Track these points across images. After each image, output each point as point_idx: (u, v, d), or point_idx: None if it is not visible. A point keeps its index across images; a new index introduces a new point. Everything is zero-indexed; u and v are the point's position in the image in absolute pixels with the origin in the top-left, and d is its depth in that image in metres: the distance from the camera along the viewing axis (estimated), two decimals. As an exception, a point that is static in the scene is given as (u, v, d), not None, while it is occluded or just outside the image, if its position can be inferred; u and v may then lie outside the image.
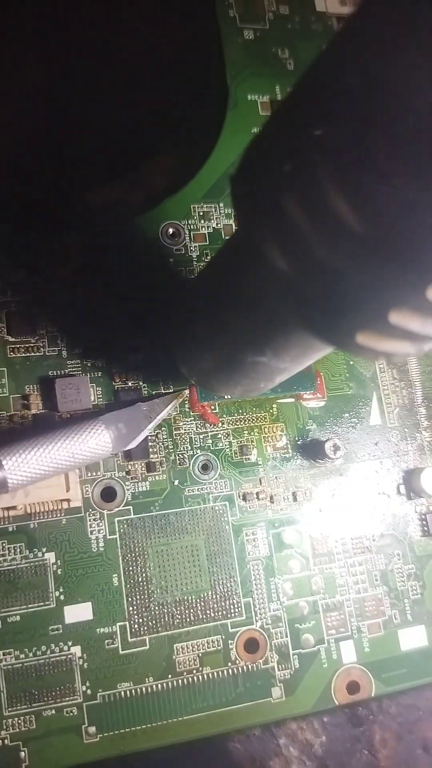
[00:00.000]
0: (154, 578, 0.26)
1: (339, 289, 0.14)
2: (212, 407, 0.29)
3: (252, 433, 0.29)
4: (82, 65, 0.28)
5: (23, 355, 0.27)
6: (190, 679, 0.26)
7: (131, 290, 0.28)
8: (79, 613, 0.25)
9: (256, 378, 0.23)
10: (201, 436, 0.28)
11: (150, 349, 0.28)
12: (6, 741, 0.24)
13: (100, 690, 0.25)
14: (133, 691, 0.25)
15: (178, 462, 0.28)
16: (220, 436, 0.29)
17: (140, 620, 0.26)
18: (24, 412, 0.26)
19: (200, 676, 0.26)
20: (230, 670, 0.26)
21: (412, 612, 0.29)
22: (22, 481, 0.23)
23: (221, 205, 0.31)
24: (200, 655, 0.26)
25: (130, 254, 0.29)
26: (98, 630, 0.26)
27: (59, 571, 0.26)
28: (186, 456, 0.28)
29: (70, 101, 0.28)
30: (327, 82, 0.13)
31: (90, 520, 0.26)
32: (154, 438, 0.28)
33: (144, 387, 0.28)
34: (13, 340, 0.27)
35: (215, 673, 0.26)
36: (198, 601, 0.27)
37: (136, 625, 0.26)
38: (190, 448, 0.28)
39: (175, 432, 0.28)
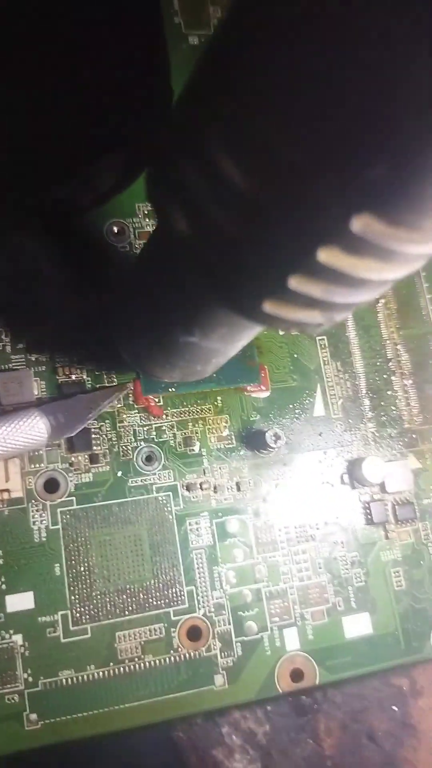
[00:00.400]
0: (97, 568, 0.27)
1: (237, 254, 0.14)
2: (156, 400, 0.29)
3: (196, 425, 0.29)
4: (27, 67, 0.29)
5: (-32, 350, 0.28)
6: (132, 666, 0.26)
7: (76, 286, 0.29)
8: (20, 602, 0.26)
9: (191, 360, 0.23)
10: (145, 429, 0.29)
11: (94, 344, 0.29)
12: None
13: (42, 677, 0.25)
14: (74, 678, 0.26)
15: (121, 454, 0.28)
16: (164, 428, 0.29)
17: (82, 609, 0.26)
18: (-32, 405, 0.27)
19: (142, 664, 0.26)
20: (173, 658, 0.27)
21: (356, 599, 0.29)
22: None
23: (166, 203, 0.31)
24: (142, 643, 0.27)
25: (75, 251, 0.30)
26: (40, 619, 0.26)
27: (0, 561, 0.26)
28: (130, 448, 0.28)
29: (15, 102, 0.29)
30: (218, 64, 0.13)
31: (33, 511, 0.27)
32: (98, 430, 0.28)
33: (88, 381, 0.29)
34: (-42, 336, 0.28)
35: (157, 661, 0.27)
36: (140, 589, 0.27)
37: (77, 614, 0.26)
38: (134, 440, 0.29)
39: (119, 424, 0.29)
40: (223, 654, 0.27)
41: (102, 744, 0.26)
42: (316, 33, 0.10)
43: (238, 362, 0.30)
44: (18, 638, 0.26)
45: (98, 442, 0.28)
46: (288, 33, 0.11)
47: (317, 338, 0.32)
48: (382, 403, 0.32)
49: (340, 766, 0.27)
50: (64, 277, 0.29)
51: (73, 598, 0.26)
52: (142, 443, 0.29)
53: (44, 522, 0.27)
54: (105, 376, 0.29)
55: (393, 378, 0.32)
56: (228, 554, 0.28)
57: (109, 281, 0.29)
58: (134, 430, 0.29)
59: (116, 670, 0.26)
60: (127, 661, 0.26)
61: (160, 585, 0.27)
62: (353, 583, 0.29)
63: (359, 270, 0.13)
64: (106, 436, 0.28)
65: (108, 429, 0.28)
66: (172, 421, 0.29)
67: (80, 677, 0.26)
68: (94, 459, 0.28)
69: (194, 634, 0.27)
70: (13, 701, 0.25)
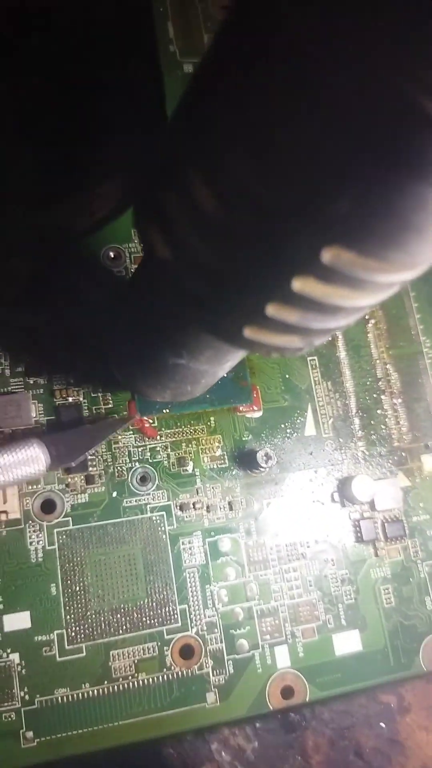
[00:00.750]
0: (92, 587, 0.27)
1: (217, 282, 0.15)
2: (151, 421, 0.30)
3: (190, 446, 0.30)
4: (28, 88, 0.30)
5: (-34, 373, 0.28)
6: (125, 684, 0.27)
7: (73, 311, 0.30)
8: (17, 621, 0.26)
9: (181, 381, 0.24)
10: (139, 449, 0.30)
11: (90, 367, 0.29)
12: None
13: (38, 695, 0.26)
14: (70, 696, 0.26)
15: (116, 474, 0.29)
16: (158, 448, 0.30)
17: (77, 628, 0.27)
18: (-34, 428, 0.28)
19: (135, 682, 0.27)
20: (165, 676, 0.27)
21: (346, 616, 0.29)
22: None
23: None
24: (136, 661, 0.27)
25: (72, 276, 0.30)
26: (36, 638, 0.27)
27: (-2, 581, 0.27)
28: (125, 468, 0.29)
29: (14, 125, 0.30)
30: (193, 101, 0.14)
31: (30, 532, 0.27)
32: (93, 452, 0.29)
33: (84, 402, 0.29)
34: (-43, 359, 0.28)
35: (150, 679, 0.27)
36: (134, 608, 0.28)
37: (73, 633, 0.27)
38: (128, 460, 0.29)
39: (114, 445, 0.29)
40: (215, 672, 0.28)
41: (96, 761, 0.26)
42: (281, 84, 0.11)
43: (231, 383, 0.31)
44: (15, 657, 0.26)
45: (94, 463, 0.29)
46: (255, 82, 0.12)
47: (308, 358, 0.33)
48: (372, 422, 0.33)
49: (330, 782, 0.28)
50: (62, 300, 0.30)
51: (68, 617, 0.27)
52: (137, 464, 0.29)
53: (41, 542, 0.27)
54: (101, 398, 0.30)
55: (383, 397, 0.33)
56: (220, 573, 0.29)
57: (104, 305, 0.30)
58: (129, 451, 0.29)
59: (110, 688, 0.27)
60: (121, 679, 0.27)
61: (154, 604, 0.28)
62: (343, 600, 0.30)
63: (333, 298, 0.14)
64: (102, 457, 0.29)
65: (103, 450, 0.29)
66: (166, 441, 0.30)
67: (75, 695, 0.26)
68: (89, 480, 0.29)
69: (187, 652, 0.28)
70: (10, 719, 0.26)
